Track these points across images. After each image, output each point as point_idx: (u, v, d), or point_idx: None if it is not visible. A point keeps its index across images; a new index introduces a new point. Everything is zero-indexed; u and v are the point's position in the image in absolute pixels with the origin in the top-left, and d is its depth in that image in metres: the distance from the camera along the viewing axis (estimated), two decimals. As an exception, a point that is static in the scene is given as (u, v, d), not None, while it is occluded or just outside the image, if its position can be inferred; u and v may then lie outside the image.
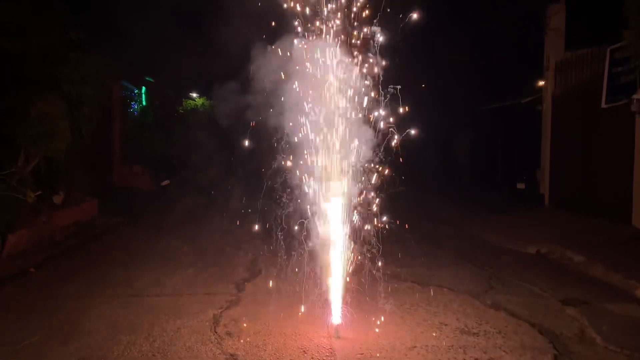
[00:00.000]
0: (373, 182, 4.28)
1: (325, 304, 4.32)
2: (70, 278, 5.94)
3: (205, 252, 7.22)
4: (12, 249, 6.59)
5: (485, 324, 4.44)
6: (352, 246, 4.34)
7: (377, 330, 4.24)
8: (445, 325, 4.40)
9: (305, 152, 4.23)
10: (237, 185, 10.77)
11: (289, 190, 4.29)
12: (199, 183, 13.36)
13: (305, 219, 4.29)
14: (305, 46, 4.13)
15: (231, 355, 3.76)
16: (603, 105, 9.31)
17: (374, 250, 4.37)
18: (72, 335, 4.14)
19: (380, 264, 4.46)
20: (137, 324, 4.36)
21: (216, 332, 4.20)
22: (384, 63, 4.14)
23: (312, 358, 3.73)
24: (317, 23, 4.15)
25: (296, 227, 4.32)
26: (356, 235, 4.34)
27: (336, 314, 4.21)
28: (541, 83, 12.00)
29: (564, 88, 11.19)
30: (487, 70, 15.09)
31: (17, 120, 7.15)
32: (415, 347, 3.92)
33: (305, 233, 4.30)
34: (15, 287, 5.57)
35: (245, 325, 4.35)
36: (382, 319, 4.44)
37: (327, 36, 4.15)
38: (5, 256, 6.44)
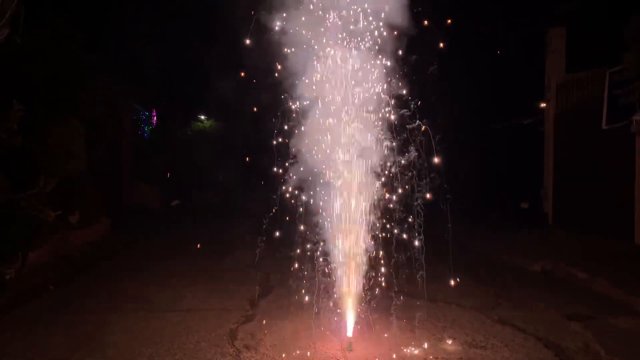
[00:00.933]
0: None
1: (338, 318, 4.50)
2: (89, 294, 6.13)
3: (219, 270, 7.41)
4: (32, 266, 6.80)
5: (492, 338, 4.60)
6: (363, 263, 4.54)
7: (388, 343, 4.41)
8: (454, 339, 4.57)
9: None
10: (246, 206, 11.00)
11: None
12: (208, 203, 13.60)
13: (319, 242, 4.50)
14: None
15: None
16: (604, 126, 9.54)
17: (384, 268, 4.57)
18: (96, 348, 4.32)
19: (390, 280, 4.65)
20: (158, 338, 4.54)
21: (234, 346, 4.37)
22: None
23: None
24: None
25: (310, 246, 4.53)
26: (368, 252, 4.55)
27: (349, 328, 4.39)
28: (543, 104, 12.25)
29: (565, 109, 11.44)
30: (491, 91, 15.38)
31: (36, 141, 7.42)
32: (425, 359, 4.09)
33: (318, 253, 4.51)
34: (36, 302, 5.77)
35: (261, 339, 4.52)
36: (393, 333, 4.61)
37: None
38: (25, 273, 6.64)
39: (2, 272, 6.13)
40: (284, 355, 4.15)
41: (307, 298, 4.71)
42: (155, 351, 4.21)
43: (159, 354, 4.15)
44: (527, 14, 12.70)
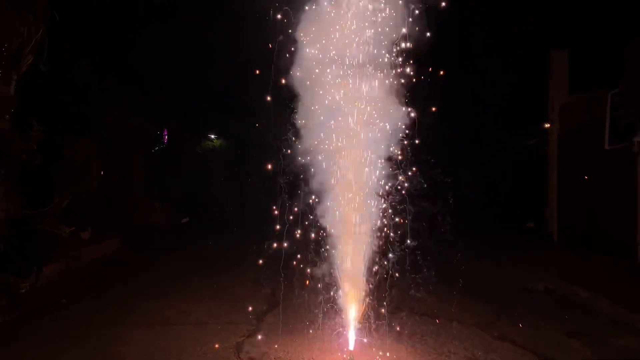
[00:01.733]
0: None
1: (341, 332, 4.65)
2: (100, 309, 6.31)
3: (225, 285, 7.57)
4: (45, 280, 7.02)
5: (491, 353, 4.72)
6: (367, 280, 4.70)
7: (389, 358, 4.54)
8: (454, 354, 4.69)
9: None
10: (253, 223, 11.17)
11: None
12: (216, 220, 13.82)
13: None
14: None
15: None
16: (606, 146, 9.69)
17: (386, 283, 4.72)
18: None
19: (392, 296, 4.80)
20: (166, 350, 4.71)
21: (240, 358, 4.53)
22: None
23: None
24: None
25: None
26: (371, 270, 4.71)
27: (351, 342, 4.54)
28: (547, 125, 12.42)
29: (568, 130, 11.58)
30: (496, 112, 15.58)
31: (53, 160, 7.71)
32: None
33: (322, 269, 4.68)
34: (50, 317, 5.95)
35: (266, 352, 4.67)
36: (395, 347, 4.74)
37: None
38: (39, 287, 6.86)
39: (17, 285, 6.34)
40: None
41: (311, 313, 4.87)
42: (164, 362, 4.38)
43: (167, 365, 4.32)
44: (530, 36, 12.94)
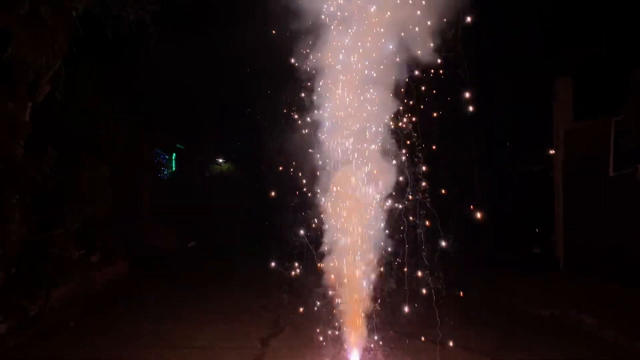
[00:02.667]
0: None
1: (344, 356, 4.69)
2: (108, 332, 6.39)
3: (231, 310, 7.62)
4: (55, 303, 7.11)
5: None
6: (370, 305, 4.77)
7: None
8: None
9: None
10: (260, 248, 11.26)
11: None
12: (223, 245, 13.92)
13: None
14: None
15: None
16: (611, 173, 9.74)
17: (390, 309, 4.79)
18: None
19: (396, 321, 4.86)
20: (172, 373, 4.77)
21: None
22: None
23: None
24: None
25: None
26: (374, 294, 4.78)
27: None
28: (552, 151, 12.49)
29: (573, 156, 11.65)
30: (502, 138, 15.69)
31: (65, 184, 7.88)
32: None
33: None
34: (59, 339, 6.04)
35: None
36: None
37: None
38: (48, 310, 6.95)
39: (27, 307, 6.44)
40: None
41: (315, 337, 4.92)
42: (170, 385, 4.44)
43: (173, 388, 4.37)
44: (534, 64, 13.13)
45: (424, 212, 4.80)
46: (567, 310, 7.77)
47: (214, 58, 13.73)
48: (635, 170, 8.89)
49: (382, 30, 4.60)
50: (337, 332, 4.78)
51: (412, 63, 4.70)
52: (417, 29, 4.56)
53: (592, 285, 9.44)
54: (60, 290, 7.33)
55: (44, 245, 7.03)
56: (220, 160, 18.99)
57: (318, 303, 4.79)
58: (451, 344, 5.93)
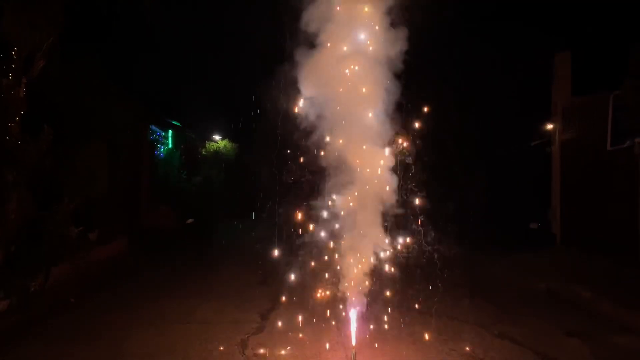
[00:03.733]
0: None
1: (344, 330, 4.76)
2: (108, 308, 6.45)
3: (230, 285, 7.69)
4: (55, 281, 7.15)
5: (491, 351, 4.81)
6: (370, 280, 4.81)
7: (390, 354, 4.64)
8: (454, 350, 4.79)
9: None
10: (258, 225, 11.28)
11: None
12: (221, 221, 13.96)
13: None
14: None
15: None
16: (609, 147, 9.75)
17: (389, 284, 4.83)
18: (117, 358, 4.62)
19: (394, 295, 4.90)
20: (173, 348, 4.84)
21: (245, 354, 4.65)
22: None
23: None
24: None
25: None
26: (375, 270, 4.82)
27: (353, 339, 4.64)
28: (550, 127, 12.47)
29: (571, 131, 11.64)
30: (499, 114, 15.64)
31: (62, 163, 7.85)
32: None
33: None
34: (60, 316, 6.09)
35: (270, 348, 4.79)
36: (396, 345, 4.85)
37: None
38: (48, 288, 6.99)
39: (27, 285, 6.48)
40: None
41: (314, 311, 4.98)
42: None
43: (174, 362, 4.44)
44: (534, 38, 13.02)
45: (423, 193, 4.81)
46: (564, 284, 7.87)
47: (211, 29, 13.51)
48: (633, 145, 8.89)
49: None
50: (339, 307, 4.83)
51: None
52: None
53: (589, 259, 9.54)
54: (60, 268, 7.35)
55: (42, 224, 7.03)
56: (217, 138, 18.86)
57: (318, 277, 4.82)
58: (446, 315, 6.03)
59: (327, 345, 4.81)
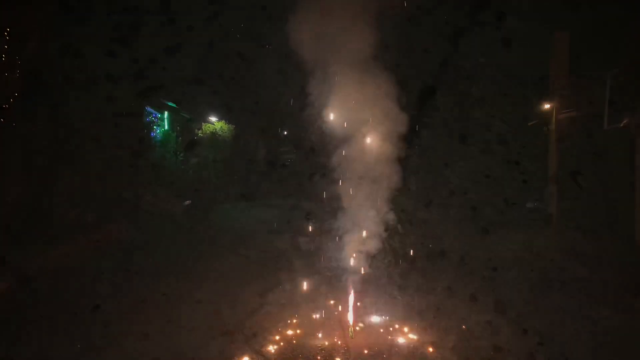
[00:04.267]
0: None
1: (342, 309, 4.85)
2: (108, 289, 6.46)
3: (231, 265, 7.72)
4: (54, 262, 7.18)
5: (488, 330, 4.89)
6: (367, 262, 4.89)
7: (387, 332, 4.72)
8: (450, 327, 4.86)
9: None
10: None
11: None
12: (218, 202, 14.00)
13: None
14: None
15: (257, 350, 4.29)
16: (605, 127, 9.76)
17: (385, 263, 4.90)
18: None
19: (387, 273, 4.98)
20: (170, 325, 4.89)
21: (243, 333, 4.72)
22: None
23: (330, 353, 4.25)
24: None
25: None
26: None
27: (351, 317, 4.73)
28: (547, 106, 12.44)
29: (569, 110, 11.62)
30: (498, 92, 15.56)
31: (60, 145, 7.84)
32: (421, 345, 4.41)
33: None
34: (60, 297, 6.11)
35: (269, 326, 4.86)
36: (392, 324, 4.93)
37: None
38: (47, 269, 7.02)
39: (25, 267, 6.50)
40: (290, 341, 4.49)
41: (313, 290, 5.05)
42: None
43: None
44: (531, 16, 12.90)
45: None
46: (558, 261, 7.97)
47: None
48: (629, 124, 8.91)
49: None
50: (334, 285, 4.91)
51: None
52: None
53: (584, 238, 9.62)
54: (59, 249, 7.38)
55: (41, 204, 7.05)
56: (214, 119, 18.71)
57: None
58: (441, 289, 6.10)
59: (325, 323, 4.87)
